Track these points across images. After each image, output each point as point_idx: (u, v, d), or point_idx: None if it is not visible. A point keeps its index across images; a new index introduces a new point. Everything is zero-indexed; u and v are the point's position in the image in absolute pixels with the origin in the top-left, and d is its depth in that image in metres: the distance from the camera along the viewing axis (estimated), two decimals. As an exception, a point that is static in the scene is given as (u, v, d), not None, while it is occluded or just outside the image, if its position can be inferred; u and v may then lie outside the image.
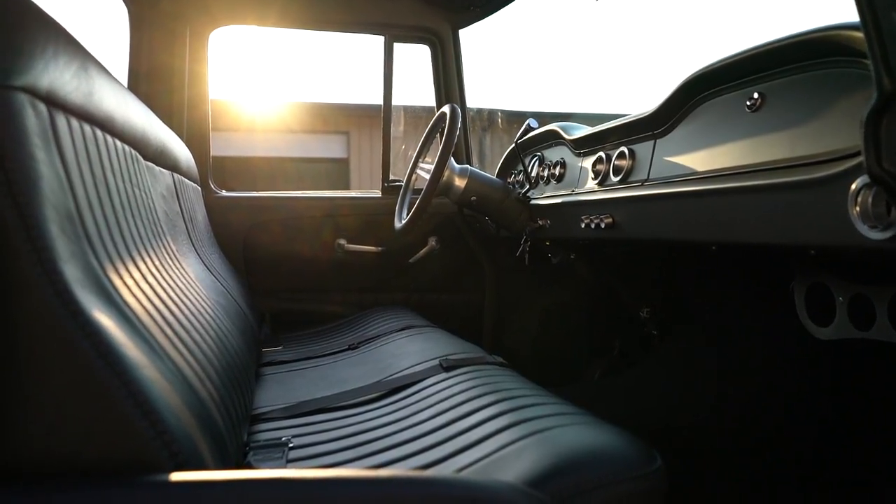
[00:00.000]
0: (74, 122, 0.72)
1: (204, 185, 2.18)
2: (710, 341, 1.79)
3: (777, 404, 1.60)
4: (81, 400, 0.55)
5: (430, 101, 2.40)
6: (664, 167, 1.31)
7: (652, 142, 1.36)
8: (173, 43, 2.08)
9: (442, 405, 1.02)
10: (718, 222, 1.12)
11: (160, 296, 0.84)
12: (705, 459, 1.58)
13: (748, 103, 1.08)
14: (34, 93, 0.61)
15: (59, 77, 0.67)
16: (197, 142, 2.12)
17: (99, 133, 0.83)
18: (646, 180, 1.35)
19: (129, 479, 0.54)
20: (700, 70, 1.19)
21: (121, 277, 0.72)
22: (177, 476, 0.54)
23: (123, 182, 0.90)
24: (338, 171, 10.09)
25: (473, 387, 1.06)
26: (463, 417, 0.94)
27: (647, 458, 0.74)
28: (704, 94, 1.20)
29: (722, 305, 1.78)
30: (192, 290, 1.08)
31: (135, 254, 0.83)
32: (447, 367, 1.20)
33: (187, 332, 0.84)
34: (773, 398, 1.61)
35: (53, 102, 0.66)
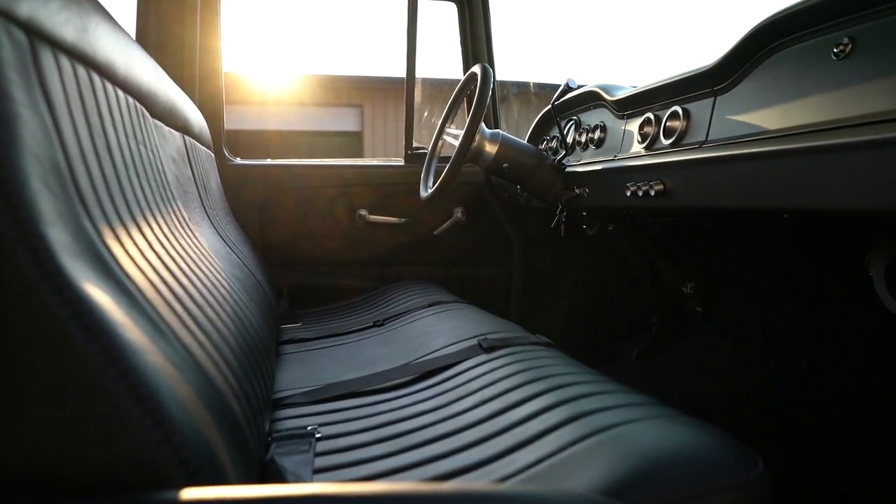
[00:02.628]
0: (65, 62, 0.61)
1: (218, 153, 2.06)
2: (761, 318, 1.66)
3: (847, 382, 1.47)
4: (68, 394, 0.44)
5: (445, 73, 2.26)
6: (726, 127, 1.17)
7: (711, 99, 1.23)
8: (183, 13, 1.95)
9: (486, 392, 0.91)
10: (795, 186, 0.99)
11: (169, 267, 0.73)
12: (776, 447, 1.46)
13: (835, 50, 0.94)
14: (10, 17, 0.50)
15: (44, 4, 0.56)
16: (211, 116, 2.00)
17: (97, 78, 0.71)
18: (704, 142, 1.22)
19: (125, 496, 0.43)
20: (775, 14, 1.05)
21: (122, 245, 0.61)
22: (188, 494, 0.43)
23: (127, 137, 0.79)
24: (351, 145, 9.98)
25: (520, 370, 0.94)
26: (513, 407, 0.82)
27: (747, 461, 0.62)
28: (779, 42, 1.06)
29: (776, 279, 1.64)
30: (206, 261, 0.96)
31: (139, 219, 0.72)
32: (487, 347, 1.09)
33: (201, 309, 0.73)
34: (839, 376, 1.49)
35: (36, 33, 0.54)
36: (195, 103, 1.94)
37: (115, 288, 0.52)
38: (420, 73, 2.18)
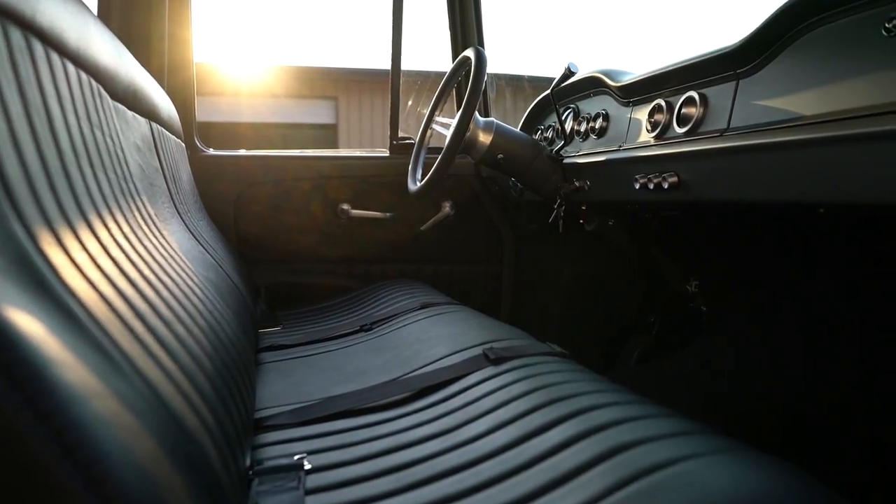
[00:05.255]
0: None
1: (189, 143, 1.92)
2: (770, 319, 1.57)
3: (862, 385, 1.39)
4: None
5: (429, 66, 2.15)
6: (751, 113, 1.07)
7: (733, 83, 1.12)
8: (150, 1, 1.80)
9: (500, 413, 0.79)
10: (835, 178, 0.90)
11: (130, 276, 0.60)
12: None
13: (888, 25, 0.84)
14: None
15: None
16: (182, 106, 1.86)
17: (38, 45, 0.58)
18: (725, 130, 1.11)
19: None
20: (811, -12, 0.95)
21: (65, 252, 0.48)
22: None
23: (78, 119, 0.66)
24: (325, 138, 9.81)
25: (537, 387, 0.83)
26: (535, 434, 0.71)
27: None
28: (816, 18, 0.96)
29: (790, 278, 1.55)
30: (176, 264, 0.84)
31: (92, 217, 0.59)
32: (494, 358, 0.98)
33: (169, 326, 0.61)
34: (857, 378, 1.40)
35: None
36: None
37: (51, 310, 0.40)
38: (403, 64, 2.05)
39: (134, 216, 0.78)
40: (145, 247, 0.74)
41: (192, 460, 0.45)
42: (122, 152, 0.86)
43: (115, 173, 0.77)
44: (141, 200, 0.87)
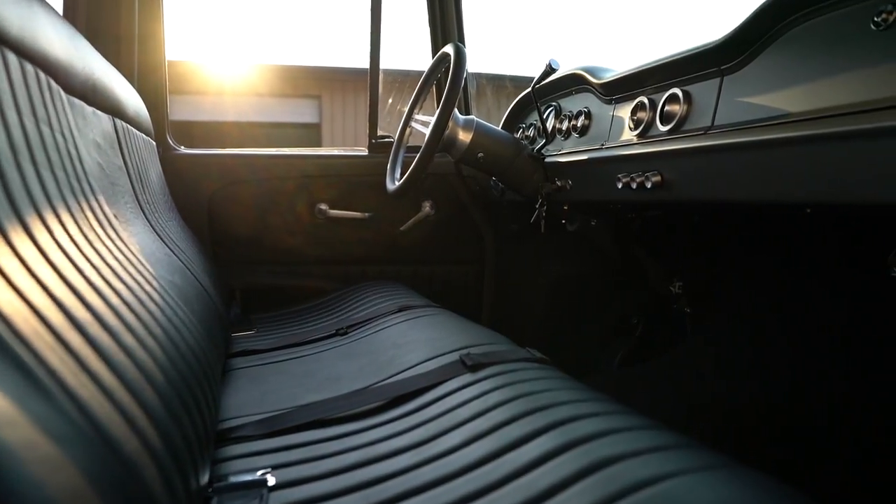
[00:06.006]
0: None
1: (161, 141, 1.86)
2: (754, 321, 1.55)
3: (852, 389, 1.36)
4: None
5: (409, 65, 2.11)
6: (736, 110, 1.04)
7: (717, 80, 1.09)
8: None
9: (477, 424, 0.75)
10: (823, 177, 0.87)
11: (71, 282, 0.55)
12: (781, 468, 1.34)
13: (876, 19, 0.81)
14: None
15: None
16: (153, 103, 1.80)
17: None
18: (710, 128, 1.08)
19: None
20: (798, -19, 0.92)
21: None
22: None
23: (20, 113, 0.61)
24: (309, 137, 9.76)
25: (515, 396, 0.79)
26: (514, 447, 0.67)
27: None
28: (802, 12, 0.93)
29: (775, 278, 1.53)
30: (133, 268, 0.79)
31: (30, 219, 0.54)
32: (471, 364, 0.94)
33: (116, 337, 0.56)
34: (842, 382, 1.38)
35: None
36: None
37: None
38: (384, 63, 2.01)
39: (86, 217, 0.73)
40: (97, 250, 0.70)
41: (126, 489, 0.41)
42: (77, 149, 0.81)
43: (66, 171, 0.72)
44: (97, 200, 0.82)
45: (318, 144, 9.60)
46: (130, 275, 0.75)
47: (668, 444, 0.61)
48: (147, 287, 0.78)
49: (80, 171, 0.79)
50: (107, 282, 0.65)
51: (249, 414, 0.94)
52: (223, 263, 1.91)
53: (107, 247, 0.74)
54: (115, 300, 0.62)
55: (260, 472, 0.73)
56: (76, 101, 0.90)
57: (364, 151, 2.06)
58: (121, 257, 0.77)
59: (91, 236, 0.71)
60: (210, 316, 1.11)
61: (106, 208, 0.85)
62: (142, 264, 0.85)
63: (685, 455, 0.58)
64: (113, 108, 1.13)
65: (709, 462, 0.56)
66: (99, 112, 1.04)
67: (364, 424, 0.85)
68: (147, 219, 1.18)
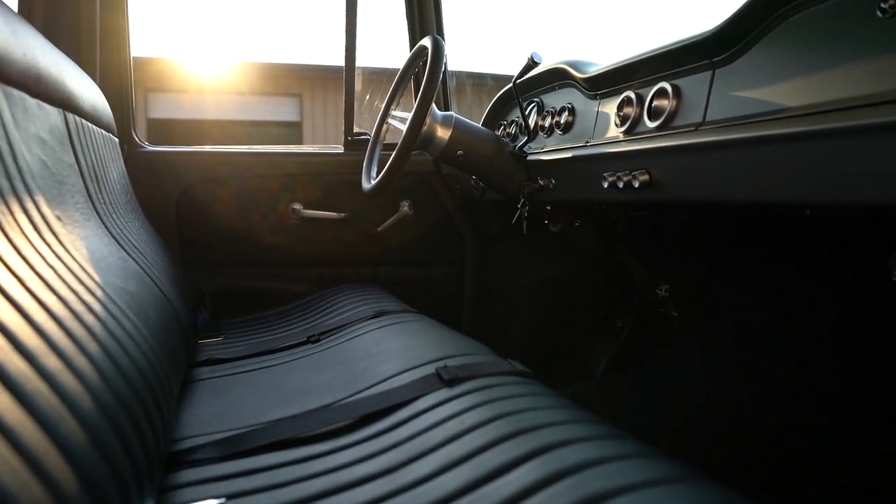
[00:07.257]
0: None
1: (126, 138, 1.77)
2: (744, 325, 1.49)
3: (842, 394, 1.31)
4: None
5: (386, 63, 2.04)
6: (729, 105, 0.98)
7: (709, 73, 1.03)
8: None
9: (452, 448, 0.69)
10: (823, 177, 0.81)
11: None
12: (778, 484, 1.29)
13: (882, 6, 0.75)
14: None
15: None
16: (116, 98, 1.71)
17: None
18: (701, 124, 1.02)
19: None
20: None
21: None
22: None
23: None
24: (290, 136, 9.67)
25: (494, 416, 0.73)
26: (493, 477, 0.60)
27: None
28: (800, 0, 0.87)
29: (764, 280, 1.47)
30: (73, 277, 0.71)
31: None
32: (448, 379, 0.87)
33: (31, 359, 0.48)
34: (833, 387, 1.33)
35: None
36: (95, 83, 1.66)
37: None
38: (362, 61, 1.94)
39: (15, 220, 0.65)
40: (24, 258, 0.62)
41: None
42: (11, 145, 0.73)
43: None
44: (34, 201, 0.74)
45: (300, 143, 9.51)
46: (68, 284, 0.68)
47: (664, 477, 0.54)
48: (87, 297, 0.70)
49: (13, 168, 0.71)
50: (32, 294, 0.57)
51: (208, 433, 0.86)
52: (193, 266, 1.83)
53: (39, 252, 0.67)
54: (40, 316, 0.55)
55: (213, 503, 0.66)
56: (15, 91, 0.82)
57: (340, 149, 1.99)
58: (57, 264, 0.69)
59: (19, 241, 0.63)
60: (169, 324, 1.04)
61: (45, 209, 0.78)
62: (85, 271, 0.77)
63: (689, 490, 0.52)
64: (63, 101, 1.05)
65: (723, 498, 0.50)
66: (45, 105, 0.95)
67: (331, 446, 0.78)
68: (102, 220, 1.10)
